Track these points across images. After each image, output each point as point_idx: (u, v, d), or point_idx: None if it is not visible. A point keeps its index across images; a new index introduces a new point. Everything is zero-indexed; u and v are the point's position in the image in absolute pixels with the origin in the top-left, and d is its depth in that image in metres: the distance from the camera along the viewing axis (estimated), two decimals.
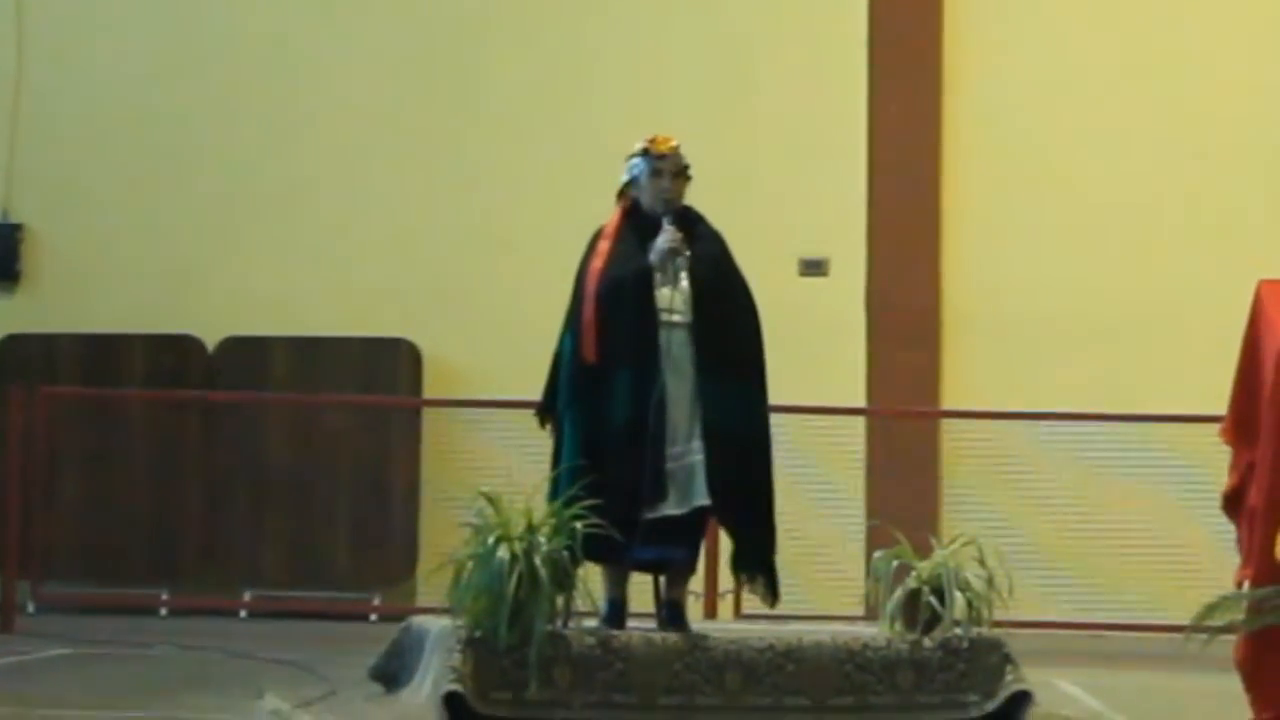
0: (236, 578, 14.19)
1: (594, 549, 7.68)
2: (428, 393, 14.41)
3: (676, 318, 8.06)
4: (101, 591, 14.05)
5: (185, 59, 14.93)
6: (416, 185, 14.74)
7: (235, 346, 14.48)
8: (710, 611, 11.85)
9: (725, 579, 9.54)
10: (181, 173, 14.87)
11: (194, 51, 14.93)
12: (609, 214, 8.30)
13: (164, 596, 14.08)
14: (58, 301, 14.73)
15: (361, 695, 8.23)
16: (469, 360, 14.44)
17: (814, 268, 14.48)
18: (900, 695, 7.81)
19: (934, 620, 7.90)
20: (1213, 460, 8.15)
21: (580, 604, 7.79)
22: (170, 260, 14.75)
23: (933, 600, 7.89)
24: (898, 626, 7.96)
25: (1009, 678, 7.83)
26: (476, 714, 7.52)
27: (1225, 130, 14.30)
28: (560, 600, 7.67)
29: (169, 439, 14.24)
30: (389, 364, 14.42)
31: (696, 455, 7.96)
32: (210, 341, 14.51)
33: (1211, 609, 6.59)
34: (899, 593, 7.99)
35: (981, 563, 7.97)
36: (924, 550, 8.08)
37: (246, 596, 14.03)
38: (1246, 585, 6.83)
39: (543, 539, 7.61)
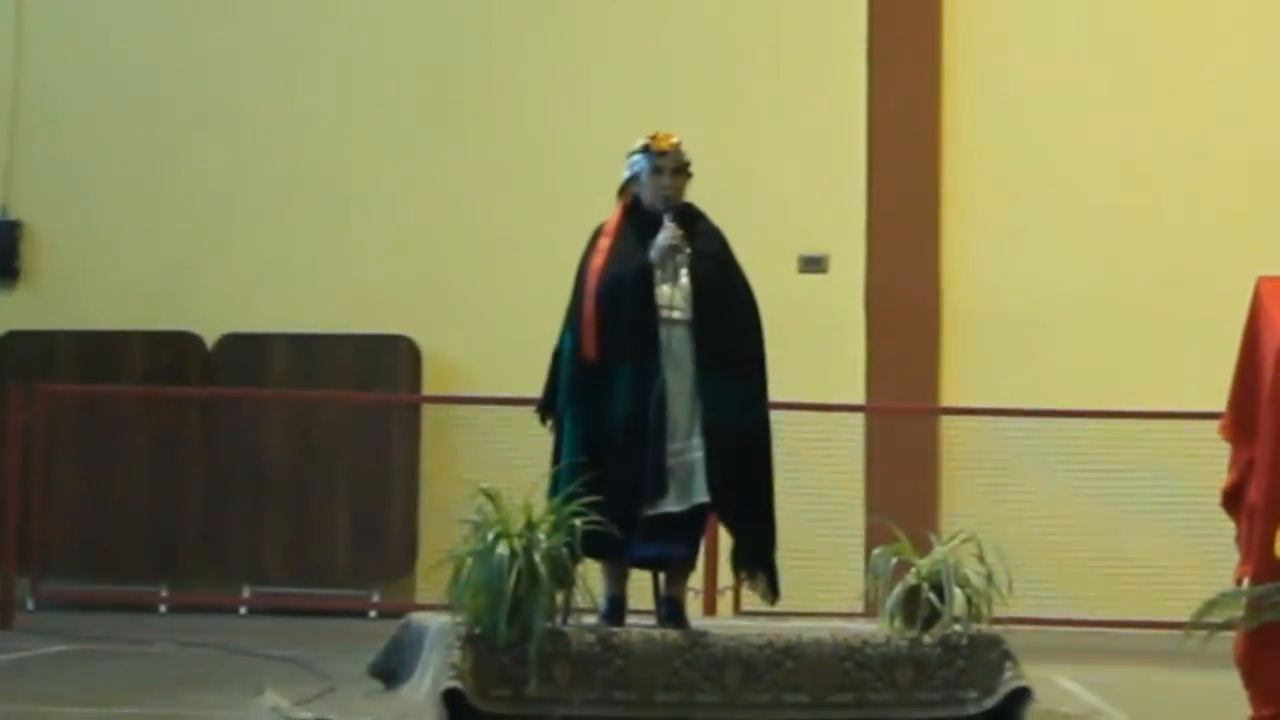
0: (236, 574, 14.19)
1: (593, 546, 7.67)
2: (427, 390, 14.42)
3: (677, 315, 8.04)
4: (101, 588, 14.05)
5: (185, 59, 14.94)
6: (416, 184, 14.74)
7: (234, 343, 14.48)
8: (710, 608, 11.87)
9: (725, 575, 9.53)
10: (181, 171, 14.88)
11: (194, 51, 14.94)
12: (609, 212, 8.29)
13: (163, 593, 14.09)
14: (57, 298, 14.74)
15: (361, 692, 8.22)
16: (468, 357, 14.44)
17: (814, 265, 14.48)
18: (900, 692, 7.80)
19: (933, 617, 7.89)
20: (1212, 457, 8.14)
21: (580, 601, 7.76)
22: (169, 257, 14.76)
23: (932, 597, 7.88)
24: (897, 623, 7.95)
25: (1008, 674, 7.82)
26: (476, 711, 7.51)
27: (1225, 130, 14.30)
28: (560, 597, 7.65)
29: (168, 436, 14.24)
30: (388, 361, 14.42)
31: (696, 452, 7.94)
32: (209, 338, 14.51)
33: (1211, 605, 6.61)
34: (898, 589, 7.98)
35: (981, 559, 7.96)
36: (923, 547, 8.07)
37: (246, 593, 14.03)
38: (1246, 582, 6.84)
39: (542, 536, 7.59)
